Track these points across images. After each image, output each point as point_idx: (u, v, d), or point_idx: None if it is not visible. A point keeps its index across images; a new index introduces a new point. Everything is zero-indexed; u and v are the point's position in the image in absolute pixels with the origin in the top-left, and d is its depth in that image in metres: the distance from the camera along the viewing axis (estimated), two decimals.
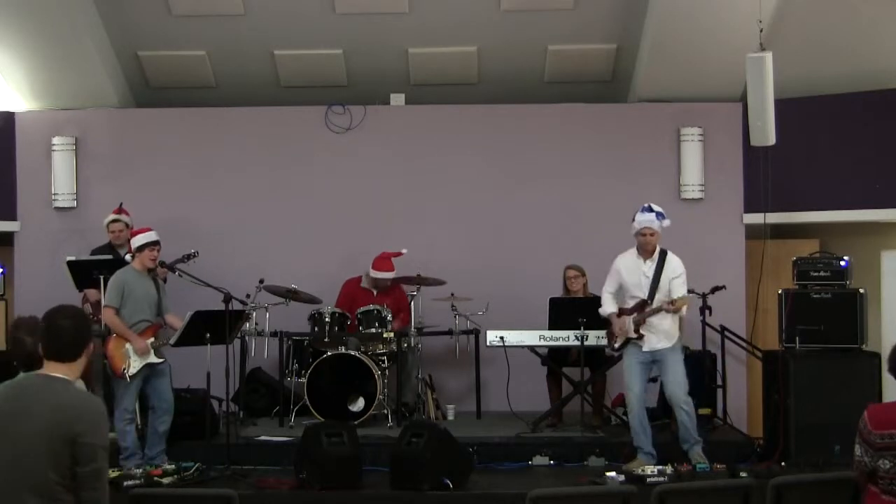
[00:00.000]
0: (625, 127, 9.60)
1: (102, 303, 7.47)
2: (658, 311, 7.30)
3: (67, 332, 3.60)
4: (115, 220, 8.63)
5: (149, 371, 7.33)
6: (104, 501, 3.58)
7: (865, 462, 4.41)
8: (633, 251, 7.54)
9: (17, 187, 9.56)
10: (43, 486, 3.46)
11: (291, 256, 9.36)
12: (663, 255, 7.45)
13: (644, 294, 7.38)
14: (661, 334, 7.37)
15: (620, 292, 7.56)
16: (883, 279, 9.44)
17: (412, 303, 8.74)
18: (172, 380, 7.51)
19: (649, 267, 7.44)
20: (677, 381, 7.37)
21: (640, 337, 7.37)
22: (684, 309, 7.34)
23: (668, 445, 7.57)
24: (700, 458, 7.29)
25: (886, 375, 7.62)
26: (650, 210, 7.44)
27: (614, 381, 8.77)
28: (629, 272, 7.50)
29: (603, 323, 8.09)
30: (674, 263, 7.43)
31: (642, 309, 7.37)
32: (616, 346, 7.55)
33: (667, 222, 7.45)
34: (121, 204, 8.76)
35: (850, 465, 4.66)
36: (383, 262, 8.72)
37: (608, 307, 7.57)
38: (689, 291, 7.52)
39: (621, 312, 7.50)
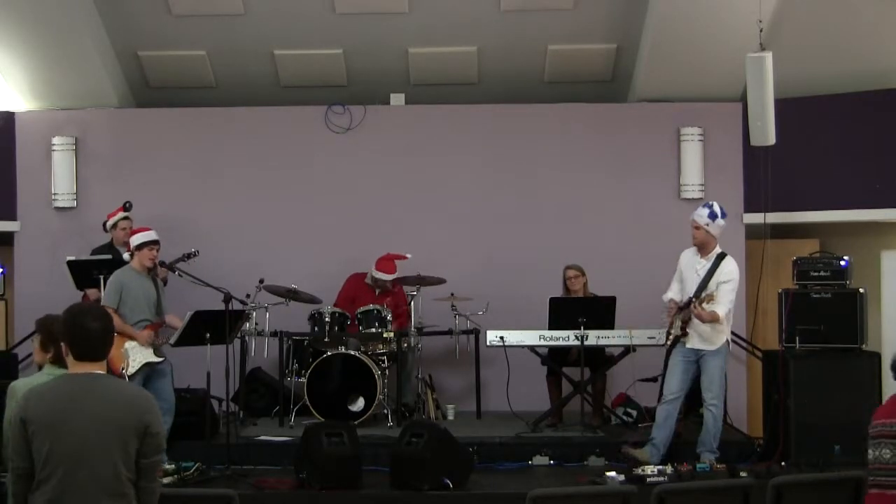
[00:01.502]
0: (625, 127, 9.60)
1: (101, 303, 7.46)
2: (687, 310, 7.34)
3: (99, 334, 3.61)
4: (125, 218, 8.61)
5: (150, 371, 7.34)
6: (159, 491, 3.66)
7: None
8: (695, 248, 7.58)
9: (17, 187, 9.55)
10: (115, 483, 3.48)
11: (291, 256, 9.35)
12: (721, 257, 7.45)
13: (692, 291, 7.40)
14: (705, 336, 7.38)
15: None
16: (883, 279, 9.45)
17: (412, 303, 8.74)
18: (173, 380, 7.52)
19: (703, 266, 7.46)
20: (712, 382, 7.40)
21: (685, 335, 7.39)
22: (711, 315, 7.24)
23: (669, 445, 7.57)
24: (715, 465, 7.29)
25: (886, 376, 7.68)
26: (708, 207, 7.48)
27: (614, 381, 8.78)
28: (686, 266, 7.57)
29: (603, 322, 8.11)
30: (727, 268, 7.41)
31: (688, 306, 7.39)
32: (668, 344, 7.56)
33: (722, 222, 7.45)
34: (127, 203, 8.70)
35: (849, 464, 4.69)
36: (386, 263, 8.73)
37: (669, 293, 7.62)
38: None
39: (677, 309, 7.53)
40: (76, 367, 3.61)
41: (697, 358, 7.46)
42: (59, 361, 4.05)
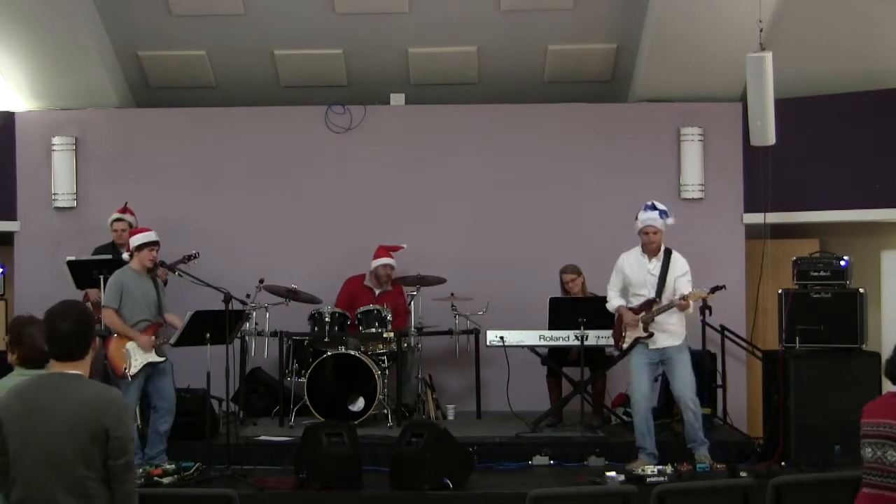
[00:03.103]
0: (625, 127, 9.60)
1: (102, 303, 7.47)
2: (668, 308, 7.31)
3: (71, 335, 3.60)
4: (118, 219, 8.63)
5: (151, 370, 7.35)
6: (135, 492, 3.64)
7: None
8: (637, 249, 7.55)
9: (17, 187, 9.56)
10: (75, 483, 3.48)
11: (291, 256, 9.35)
12: (668, 253, 7.46)
13: (650, 293, 7.38)
14: (669, 332, 7.37)
15: (625, 291, 7.57)
16: (883, 279, 9.45)
17: (412, 303, 8.74)
18: (174, 379, 7.53)
19: (655, 265, 7.44)
20: (685, 381, 7.38)
21: (650, 336, 7.37)
22: (692, 305, 7.35)
23: (669, 445, 7.58)
24: (705, 459, 7.29)
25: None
26: (653, 208, 7.44)
27: (614, 381, 8.78)
28: (633, 270, 7.51)
29: (603, 322, 8.10)
30: (679, 262, 7.45)
31: (650, 307, 7.37)
32: (624, 346, 7.55)
33: (671, 220, 7.46)
34: (126, 203, 8.75)
35: (849, 464, 4.67)
36: (381, 250, 8.80)
37: (615, 301, 7.58)
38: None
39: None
40: (54, 367, 3.63)
41: (661, 358, 7.44)
42: (25, 362, 4.04)
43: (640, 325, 7.38)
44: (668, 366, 7.45)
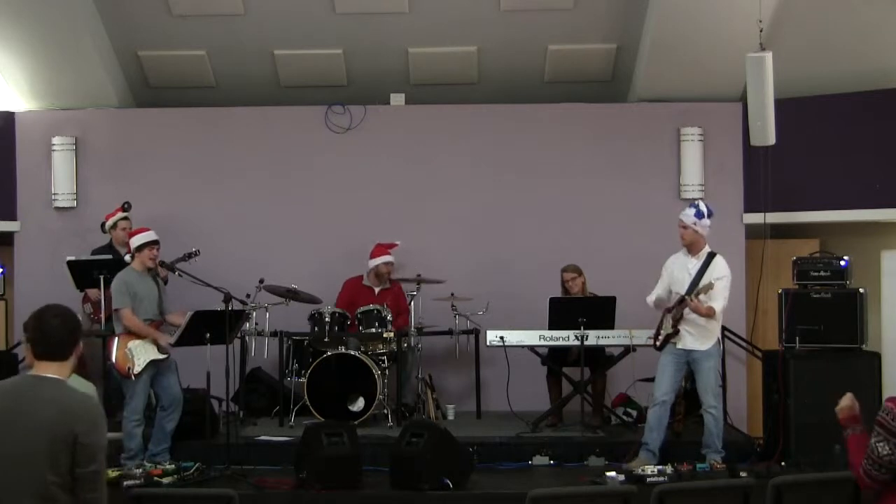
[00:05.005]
0: (625, 127, 9.60)
1: (113, 306, 7.43)
2: (684, 307, 7.32)
3: (57, 332, 3.58)
4: (124, 218, 8.63)
5: (155, 369, 7.35)
6: (103, 502, 3.57)
7: None
8: (684, 249, 7.57)
9: (17, 187, 9.56)
10: (42, 488, 3.43)
11: (291, 256, 9.36)
12: (711, 256, 7.46)
13: (684, 291, 7.39)
14: (697, 335, 7.37)
15: (670, 291, 7.57)
16: (883, 279, 9.45)
17: (412, 303, 8.74)
18: (179, 376, 7.54)
19: (694, 265, 7.46)
20: (708, 385, 7.39)
21: (677, 333, 7.38)
22: (715, 310, 7.27)
23: (669, 445, 7.58)
24: (715, 465, 7.29)
25: (886, 375, 7.68)
26: (694, 206, 7.50)
27: (614, 381, 8.78)
28: (675, 268, 7.55)
29: (603, 322, 8.11)
30: (719, 265, 7.43)
31: (681, 304, 7.38)
32: (658, 344, 7.55)
33: (706, 222, 7.44)
34: (125, 203, 8.72)
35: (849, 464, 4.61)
36: (378, 247, 8.82)
37: (653, 296, 7.61)
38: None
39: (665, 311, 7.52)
40: (37, 368, 3.59)
41: (688, 359, 7.45)
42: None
43: (670, 321, 7.40)
44: (695, 369, 7.47)
